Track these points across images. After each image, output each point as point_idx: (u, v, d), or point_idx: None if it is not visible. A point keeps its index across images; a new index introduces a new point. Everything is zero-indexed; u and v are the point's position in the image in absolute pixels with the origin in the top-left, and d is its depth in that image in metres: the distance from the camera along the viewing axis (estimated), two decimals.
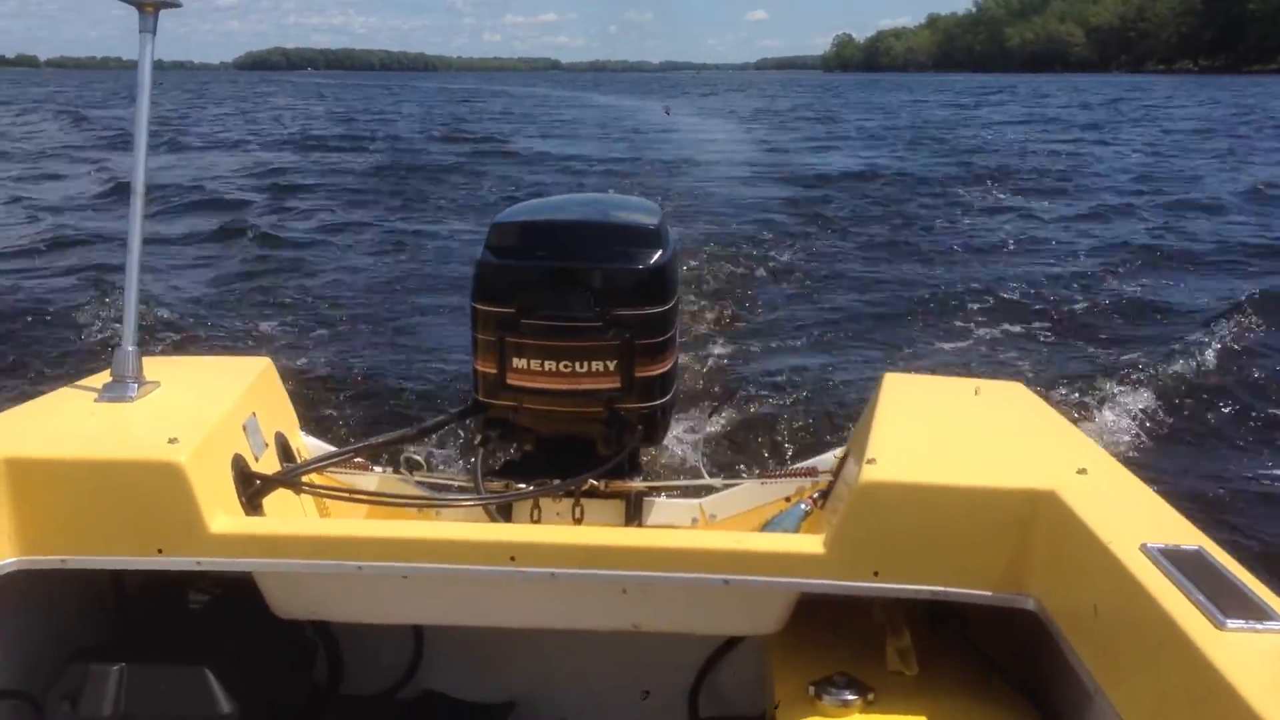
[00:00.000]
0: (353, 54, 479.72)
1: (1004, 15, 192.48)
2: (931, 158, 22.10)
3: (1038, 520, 1.88)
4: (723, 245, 10.08)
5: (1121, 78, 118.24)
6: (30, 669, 2.17)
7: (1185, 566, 1.62)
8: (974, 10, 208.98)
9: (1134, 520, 1.80)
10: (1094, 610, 1.73)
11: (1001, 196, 15.58)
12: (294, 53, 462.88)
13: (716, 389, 5.79)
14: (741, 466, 4.77)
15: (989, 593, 1.92)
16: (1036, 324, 7.63)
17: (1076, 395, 5.97)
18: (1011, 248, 11.04)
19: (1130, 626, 1.62)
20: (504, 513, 2.50)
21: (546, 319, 2.41)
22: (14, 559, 2.01)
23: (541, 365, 2.42)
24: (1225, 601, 1.53)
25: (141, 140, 2.43)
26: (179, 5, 2.42)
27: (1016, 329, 7.44)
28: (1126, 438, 5.53)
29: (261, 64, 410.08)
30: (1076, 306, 8.16)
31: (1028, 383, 2.78)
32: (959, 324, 7.46)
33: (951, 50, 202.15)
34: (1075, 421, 2.43)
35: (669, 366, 2.51)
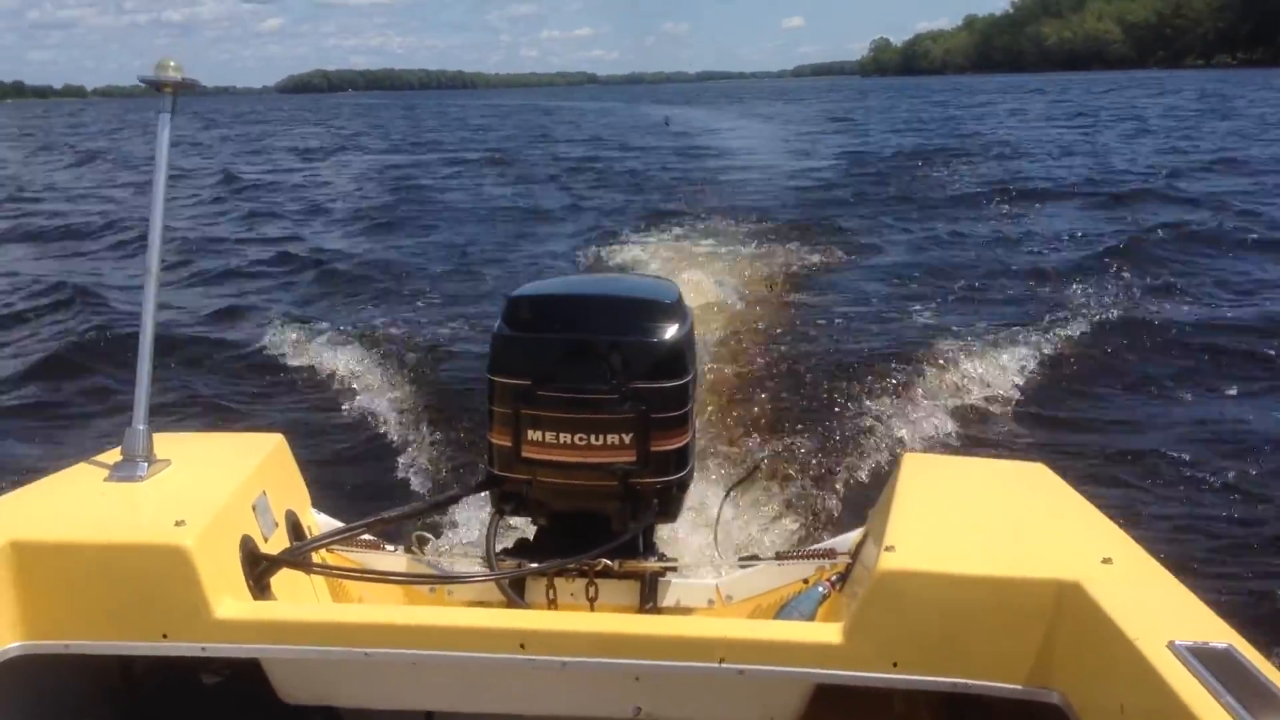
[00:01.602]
0: (392, 73, 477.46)
1: (1040, 14, 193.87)
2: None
3: (1063, 612, 1.84)
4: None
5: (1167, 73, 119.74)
6: None
7: (1214, 665, 1.58)
8: (1010, 10, 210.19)
9: (1161, 614, 1.76)
10: (1120, 709, 1.68)
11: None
12: (334, 74, 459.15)
13: (733, 466, 5.74)
14: (758, 546, 4.72)
15: (1013, 685, 1.87)
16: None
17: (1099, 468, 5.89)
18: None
19: None
20: (517, 589, 2.47)
21: (562, 391, 2.39)
22: (18, 643, 1.99)
23: (557, 437, 2.40)
24: (1254, 703, 1.49)
25: (157, 215, 2.45)
26: (197, 89, 2.45)
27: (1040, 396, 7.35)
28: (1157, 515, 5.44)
29: (303, 86, 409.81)
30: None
31: (1051, 462, 2.73)
32: (975, 396, 7.38)
33: (989, 50, 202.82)
34: (1099, 505, 2.37)
35: (685, 441, 2.49)
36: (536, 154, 32.01)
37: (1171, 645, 1.64)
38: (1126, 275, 10.65)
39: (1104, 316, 8.93)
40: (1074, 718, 1.81)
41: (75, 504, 2.21)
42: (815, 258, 12.33)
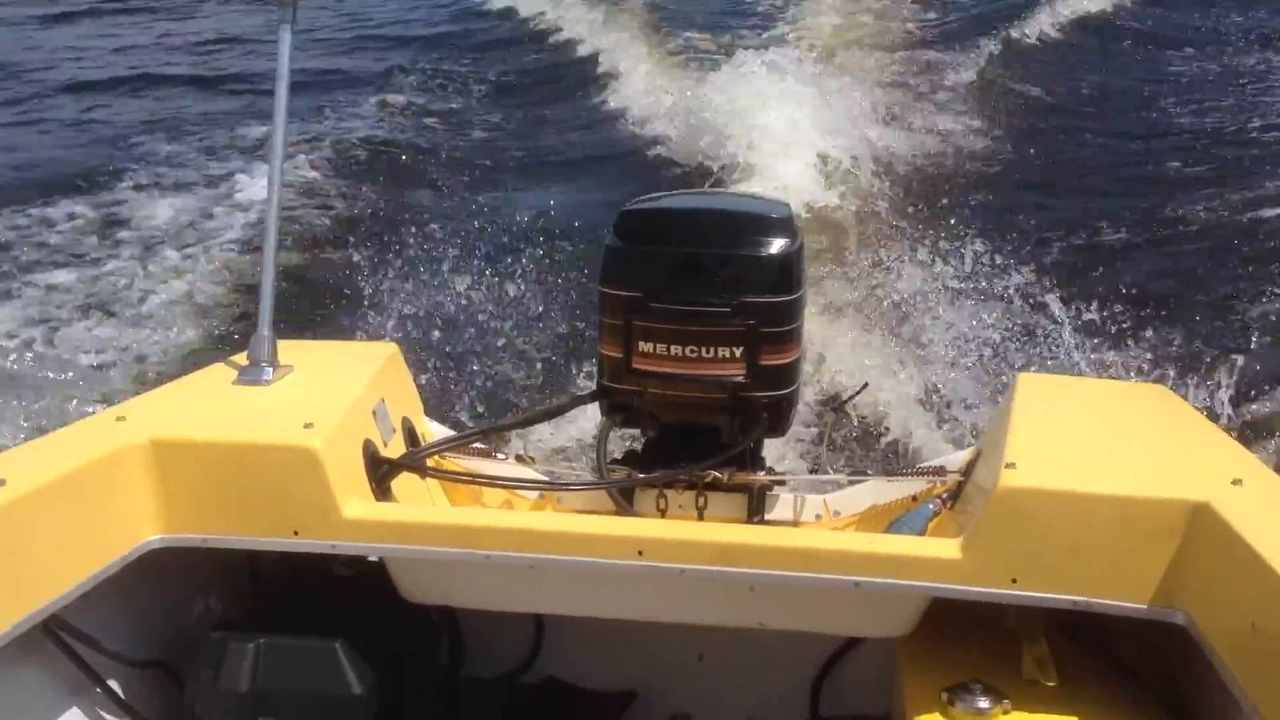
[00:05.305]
0: None
1: None
2: None
3: (1192, 532, 1.81)
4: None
5: None
6: (172, 641, 2.25)
7: None
8: None
9: None
10: (1252, 628, 1.65)
11: None
12: None
13: (841, 383, 5.70)
14: (866, 463, 4.70)
15: (1137, 605, 1.85)
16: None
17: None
18: None
19: None
20: (626, 498, 2.51)
21: (673, 303, 2.39)
22: (159, 536, 2.09)
23: (667, 349, 2.41)
24: None
25: (280, 128, 2.48)
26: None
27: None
28: None
29: None
30: None
31: (1172, 385, 2.66)
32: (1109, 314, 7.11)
33: None
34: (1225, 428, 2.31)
35: (794, 357, 2.48)
36: None
37: None
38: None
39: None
40: (1200, 638, 1.78)
41: (208, 405, 2.30)
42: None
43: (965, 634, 2.08)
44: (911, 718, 1.94)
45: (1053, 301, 7.24)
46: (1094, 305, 7.23)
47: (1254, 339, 6.83)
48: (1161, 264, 7.94)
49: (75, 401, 6.10)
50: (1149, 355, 6.55)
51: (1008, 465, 1.93)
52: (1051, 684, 1.95)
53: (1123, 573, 1.85)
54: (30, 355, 7.00)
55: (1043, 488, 1.88)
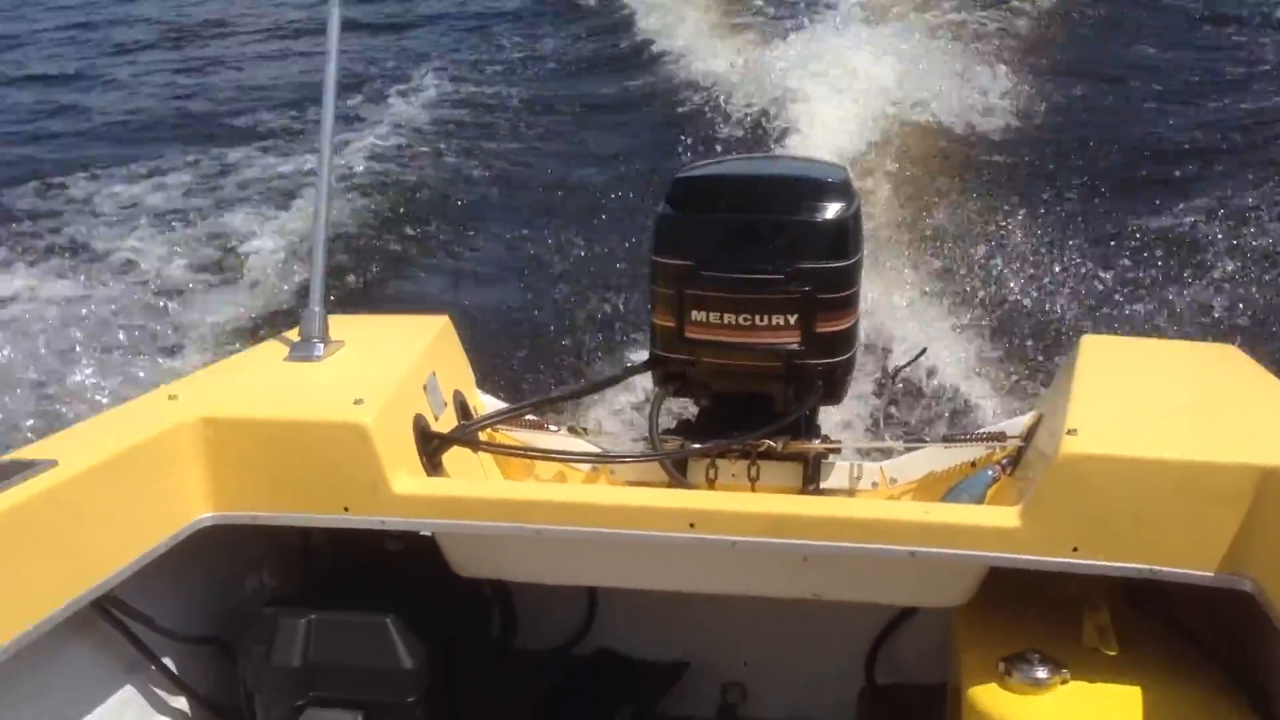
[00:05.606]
0: None
1: None
2: None
3: (1260, 497, 1.74)
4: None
5: None
6: (224, 617, 2.28)
7: None
8: None
9: None
10: None
11: None
12: None
13: (899, 348, 5.62)
14: (924, 430, 4.63)
15: (1203, 573, 1.79)
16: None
17: None
18: None
19: None
20: (679, 469, 2.48)
21: (726, 271, 2.36)
22: (210, 514, 2.10)
23: (720, 318, 2.38)
24: None
25: (330, 96, 2.48)
26: None
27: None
28: None
29: None
30: None
31: (1244, 345, 2.57)
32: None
33: None
34: None
35: (851, 323, 2.43)
36: None
37: None
38: None
39: None
40: (1267, 605, 1.73)
41: (259, 382, 2.31)
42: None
43: (1023, 603, 2.04)
44: (968, 688, 1.91)
45: (1119, 262, 7.08)
46: (1162, 265, 7.05)
47: None
48: (1239, 227, 7.67)
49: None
50: (1220, 315, 6.38)
51: (1069, 431, 1.88)
52: (1113, 653, 1.91)
53: (1187, 540, 1.80)
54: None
55: (1105, 454, 1.83)
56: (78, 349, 6.49)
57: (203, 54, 15.50)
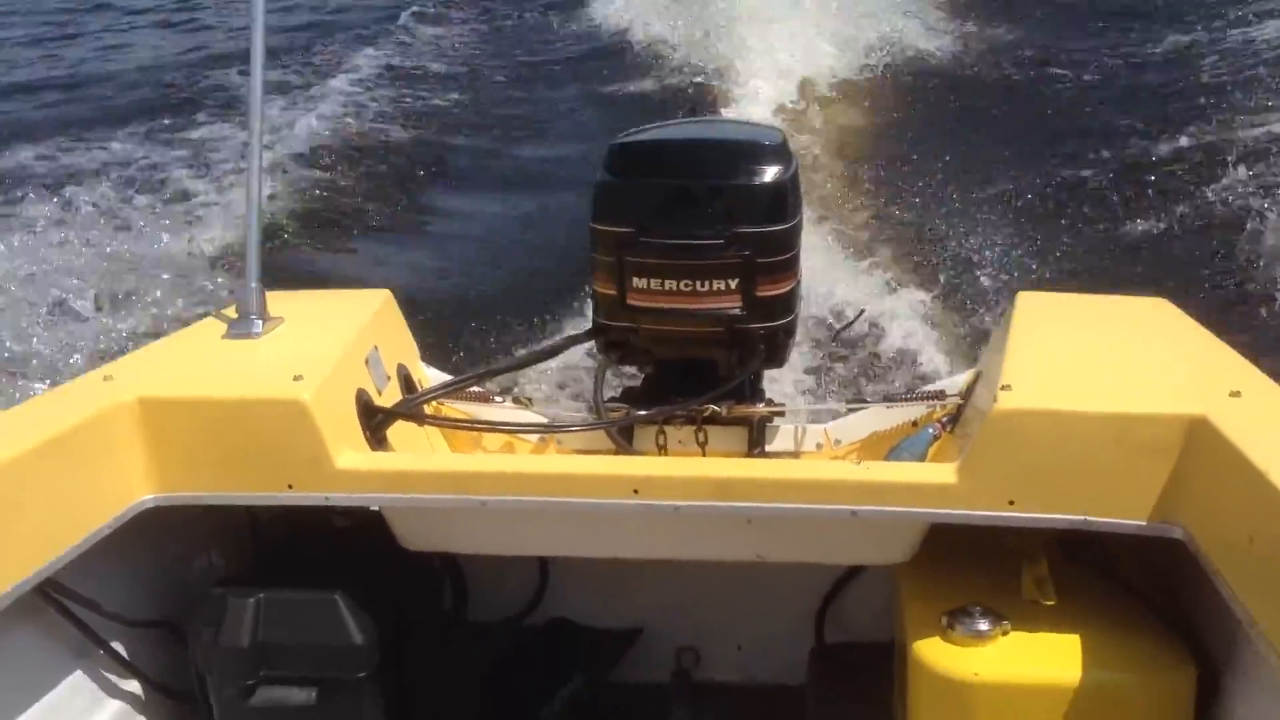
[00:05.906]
0: None
1: None
2: None
3: (1190, 447, 1.78)
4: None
5: None
6: (172, 599, 2.26)
7: None
8: None
9: None
10: (1249, 540, 1.64)
11: None
12: None
13: (840, 311, 5.66)
14: (868, 390, 4.68)
15: (1135, 522, 1.83)
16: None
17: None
18: None
19: None
20: (626, 436, 2.49)
21: (666, 237, 2.35)
22: (152, 495, 2.08)
23: (661, 284, 2.37)
24: None
25: (258, 66, 2.43)
26: None
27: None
28: None
29: None
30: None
31: (1173, 297, 2.62)
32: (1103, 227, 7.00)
33: None
34: (1225, 339, 2.27)
35: (791, 287, 2.44)
36: None
37: None
38: None
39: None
40: (1198, 553, 1.77)
41: (197, 361, 2.28)
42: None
43: (966, 558, 2.07)
44: (912, 642, 1.94)
45: (1055, 219, 7.18)
46: (1097, 222, 7.16)
47: (1264, 247, 6.75)
48: (1170, 183, 7.80)
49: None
50: (1152, 269, 6.50)
51: (1003, 387, 1.91)
52: (1050, 603, 1.95)
53: (1120, 490, 1.83)
54: None
55: (1038, 408, 1.86)
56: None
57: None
